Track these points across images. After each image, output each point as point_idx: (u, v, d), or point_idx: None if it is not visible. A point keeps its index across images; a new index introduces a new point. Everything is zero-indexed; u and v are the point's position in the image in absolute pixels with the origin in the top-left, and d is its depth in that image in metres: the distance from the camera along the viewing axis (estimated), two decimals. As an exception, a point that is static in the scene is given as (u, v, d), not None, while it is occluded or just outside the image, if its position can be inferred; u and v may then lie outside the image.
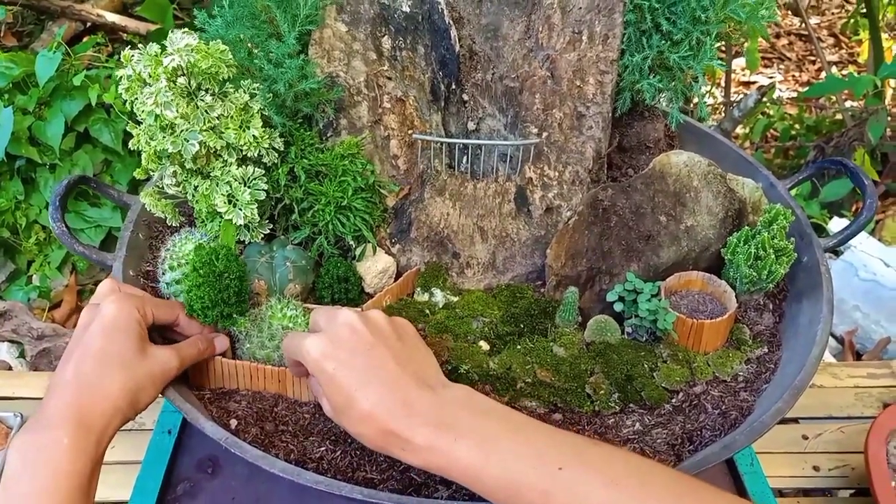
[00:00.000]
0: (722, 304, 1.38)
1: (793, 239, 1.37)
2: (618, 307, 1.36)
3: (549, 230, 1.46)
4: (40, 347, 2.19)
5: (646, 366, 1.33)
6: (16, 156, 2.33)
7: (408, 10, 1.44)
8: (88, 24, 3.97)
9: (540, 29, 1.46)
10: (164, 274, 1.32)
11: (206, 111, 1.23)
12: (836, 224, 2.77)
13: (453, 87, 1.49)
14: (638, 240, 1.39)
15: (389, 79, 1.46)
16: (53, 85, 2.31)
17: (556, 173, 1.46)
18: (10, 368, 2.16)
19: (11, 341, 2.25)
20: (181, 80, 1.21)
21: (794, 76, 4.82)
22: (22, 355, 2.21)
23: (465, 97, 1.51)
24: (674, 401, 1.29)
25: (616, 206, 1.40)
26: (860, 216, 1.41)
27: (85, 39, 3.71)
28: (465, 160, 1.51)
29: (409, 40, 1.46)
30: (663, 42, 1.42)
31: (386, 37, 1.46)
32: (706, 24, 1.39)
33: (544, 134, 1.46)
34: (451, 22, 1.44)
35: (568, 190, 1.46)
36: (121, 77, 1.24)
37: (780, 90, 4.58)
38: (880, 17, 3.45)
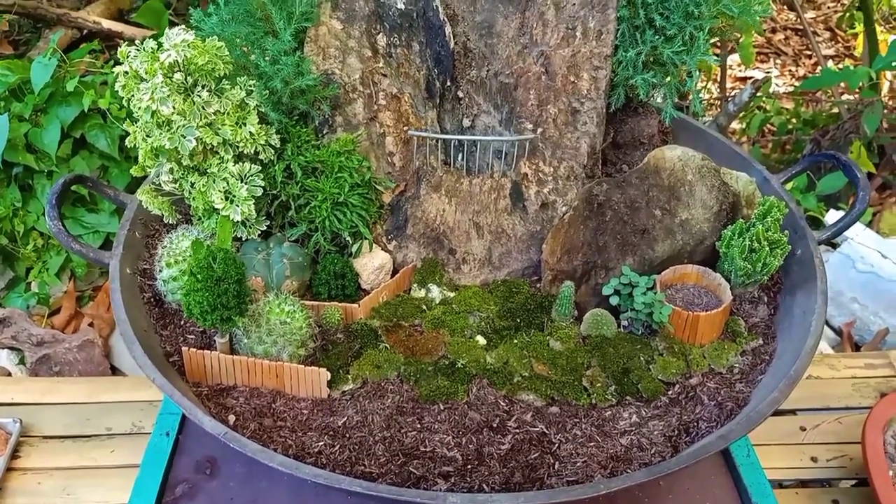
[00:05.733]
0: (717, 297, 1.39)
1: (787, 231, 1.37)
2: (613, 301, 1.37)
3: (544, 225, 1.47)
4: (40, 354, 2.19)
5: (642, 358, 1.33)
6: (13, 163, 2.32)
7: (402, 7, 1.45)
8: (85, 31, 3.98)
9: (534, 25, 1.47)
10: (160, 271, 1.33)
11: (202, 107, 1.24)
12: (833, 217, 2.77)
13: (448, 83, 1.49)
14: (633, 234, 1.40)
15: (385, 76, 1.47)
16: (49, 91, 2.31)
17: (551, 169, 1.47)
18: (9, 374, 2.16)
19: (11, 348, 2.26)
20: (178, 75, 1.22)
21: (790, 70, 4.82)
22: (22, 362, 2.22)
23: (461, 94, 1.52)
24: (670, 393, 1.30)
25: (611, 201, 1.40)
26: (853, 209, 1.42)
27: (81, 46, 3.71)
28: (460, 157, 1.51)
29: (404, 37, 1.47)
30: (656, 37, 1.42)
31: (381, 34, 1.47)
32: (699, 20, 1.40)
33: (539, 130, 1.47)
34: (446, 19, 1.45)
35: (563, 185, 1.47)
36: (117, 74, 1.25)
37: (777, 85, 4.58)
38: (875, 10, 3.45)
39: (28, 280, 2.49)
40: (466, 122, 1.53)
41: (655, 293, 1.34)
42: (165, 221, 1.43)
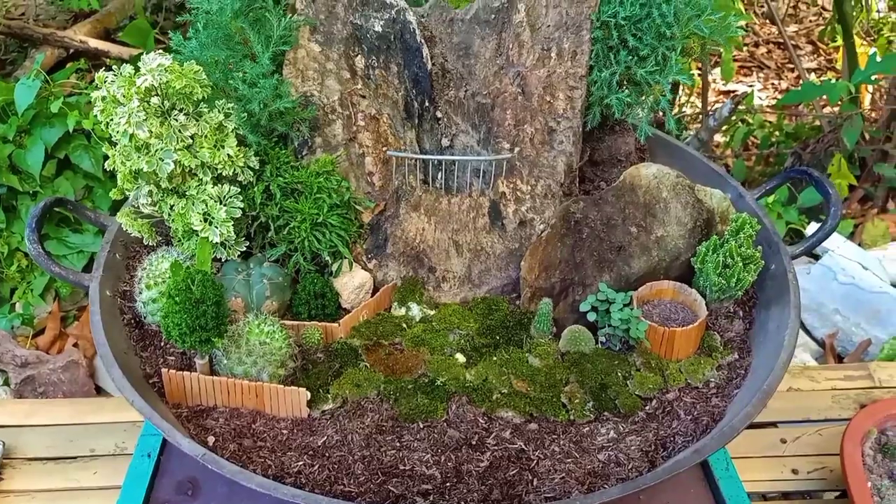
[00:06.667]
0: (693, 312, 1.40)
1: (760, 247, 1.39)
2: (591, 317, 1.39)
3: (523, 243, 1.48)
4: (24, 375, 2.19)
5: (619, 374, 1.35)
6: (-4, 184, 2.34)
7: (380, 29, 1.46)
8: (71, 51, 4.00)
9: (510, 46, 1.49)
10: (140, 293, 1.34)
11: (179, 130, 1.25)
12: (815, 229, 2.80)
13: (427, 104, 1.51)
14: (609, 251, 1.42)
15: (363, 97, 1.48)
16: (33, 113, 2.32)
17: (529, 187, 1.49)
18: (-8, 395, 2.16)
19: (-5, 369, 2.26)
20: (154, 99, 1.23)
21: (773, 84, 4.87)
22: (6, 383, 2.21)
23: (439, 114, 1.54)
24: (647, 408, 1.31)
25: (588, 219, 1.42)
26: (825, 224, 1.44)
27: (68, 66, 3.72)
28: (439, 176, 1.53)
29: (382, 59, 1.49)
30: (630, 58, 1.45)
31: (359, 56, 1.48)
32: (671, 40, 1.43)
33: (516, 149, 1.49)
34: (423, 41, 1.47)
35: (541, 203, 1.48)
36: (96, 98, 1.26)
37: (760, 98, 4.63)
38: (856, 24, 3.49)
39: (12, 301, 2.48)
40: (445, 142, 1.55)
41: (632, 309, 1.35)
42: (146, 243, 1.43)
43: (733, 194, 1.56)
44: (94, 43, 3.98)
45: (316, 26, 1.45)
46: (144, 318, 1.37)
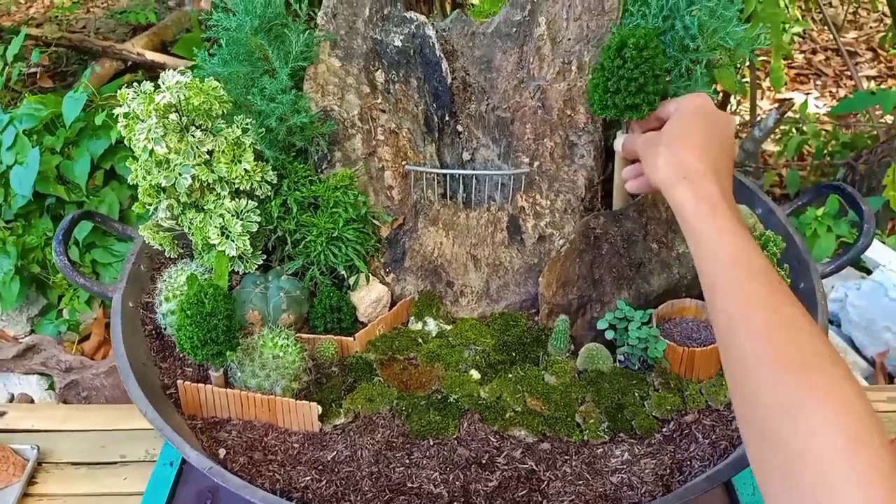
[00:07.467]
0: (716, 331, 1.36)
1: (786, 266, 1.34)
2: (609, 335, 1.36)
3: (542, 258, 1.46)
4: (68, 379, 2.26)
5: (637, 394, 1.31)
6: (45, 194, 2.43)
7: (400, 44, 1.47)
8: (129, 63, 4.12)
9: (531, 60, 1.47)
10: (160, 305, 1.36)
11: (196, 146, 1.27)
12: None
13: (447, 118, 1.51)
14: (629, 267, 1.39)
15: (383, 111, 1.48)
16: (80, 125, 2.41)
17: (548, 202, 1.47)
18: (31, 401, 2.23)
19: (41, 374, 2.33)
20: (173, 115, 1.26)
21: (831, 92, 4.74)
22: (51, 387, 2.29)
23: (460, 128, 1.53)
24: (664, 430, 1.27)
25: (608, 234, 1.39)
26: (858, 242, 1.39)
27: (122, 78, 3.82)
28: (460, 190, 1.52)
29: (402, 73, 1.49)
30: (653, 69, 1.41)
31: (379, 70, 1.49)
32: (695, 52, 1.39)
33: (535, 163, 1.47)
34: (443, 55, 1.46)
35: (560, 218, 1.46)
36: (118, 115, 1.29)
37: (818, 106, 4.51)
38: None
39: (60, 307, 2.57)
40: (466, 156, 1.54)
41: (651, 327, 1.32)
42: (168, 256, 1.46)
43: (763, 210, 1.51)
44: (151, 55, 4.10)
45: (336, 41, 1.46)
46: (164, 329, 1.40)
